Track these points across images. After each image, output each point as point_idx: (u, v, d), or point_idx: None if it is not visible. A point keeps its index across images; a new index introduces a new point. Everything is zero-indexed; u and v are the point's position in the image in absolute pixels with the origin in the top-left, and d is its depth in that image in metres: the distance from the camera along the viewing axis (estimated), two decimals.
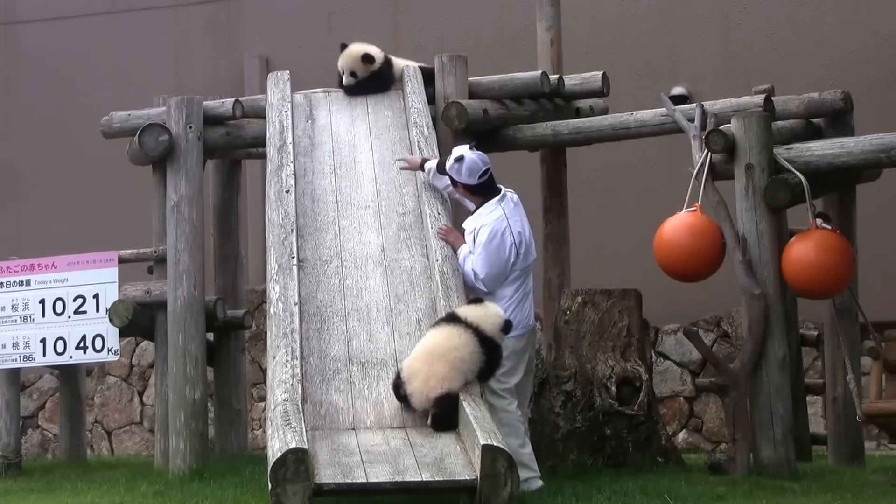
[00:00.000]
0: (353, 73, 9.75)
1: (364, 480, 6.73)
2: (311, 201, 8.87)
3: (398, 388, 7.54)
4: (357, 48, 9.82)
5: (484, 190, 8.29)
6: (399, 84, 9.86)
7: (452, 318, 7.67)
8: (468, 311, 7.71)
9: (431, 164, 8.75)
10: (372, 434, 7.38)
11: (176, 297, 9.87)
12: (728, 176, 9.18)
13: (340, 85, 9.88)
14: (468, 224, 8.31)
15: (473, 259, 8.15)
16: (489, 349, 7.58)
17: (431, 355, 7.46)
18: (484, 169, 8.27)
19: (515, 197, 8.34)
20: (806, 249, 8.89)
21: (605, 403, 9.16)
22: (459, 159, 8.30)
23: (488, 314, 7.72)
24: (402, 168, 8.97)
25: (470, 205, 8.48)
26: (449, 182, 8.49)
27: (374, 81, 9.80)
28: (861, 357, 10.13)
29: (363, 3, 15.66)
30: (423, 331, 7.90)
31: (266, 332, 8.14)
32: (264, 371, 13.16)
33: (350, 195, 8.94)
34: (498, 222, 8.12)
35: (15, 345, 10.51)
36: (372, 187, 8.97)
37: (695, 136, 9.40)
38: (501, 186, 8.35)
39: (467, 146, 8.44)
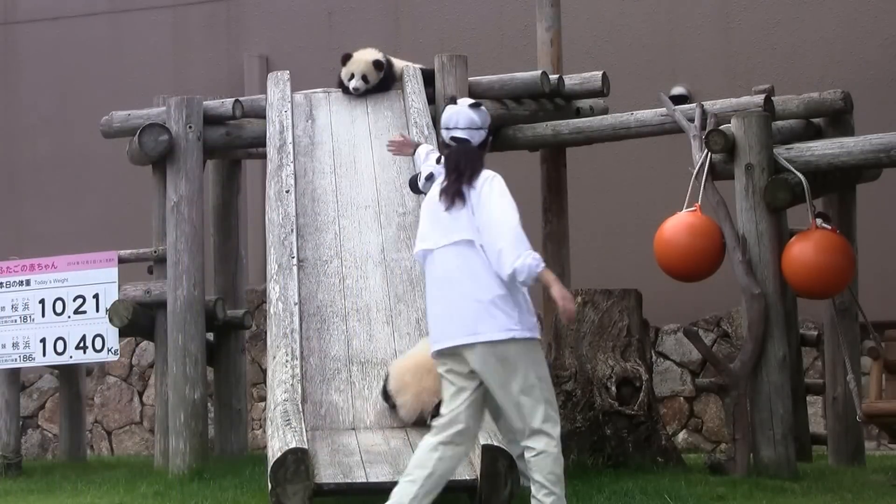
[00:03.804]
0: (364, 78, 9.75)
1: (364, 480, 6.74)
2: (311, 201, 8.87)
3: (387, 398, 7.54)
4: (368, 55, 9.82)
5: None
6: (399, 84, 9.88)
7: None
8: None
9: (423, 149, 8.60)
10: (372, 434, 7.38)
11: (176, 297, 9.87)
12: (728, 176, 9.17)
13: (339, 85, 9.88)
14: None
15: None
16: None
17: (420, 369, 7.46)
18: None
19: None
20: (806, 249, 8.89)
21: (605, 403, 9.16)
22: (430, 177, 8.18)
23: None
24: (390, 144, 8.74)
25: None
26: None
27: (377, 83, 9.82)
28: (861, 357, 10.13)
29: (363, 3, 15.66)
30: (424, 331, 7.91)
31: (266, 332, 8.15)
32: (264, 371, 13.15)
33: (350, 195, 8.94)
34: None
35: (15, 345, 10.51)
36: (372, 187, 8.98)
37: (695, 136, 9.40)
38: None
39: (434, 161, 8.36)
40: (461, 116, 6.82)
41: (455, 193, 6.63)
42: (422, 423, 7.42)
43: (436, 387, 7.39)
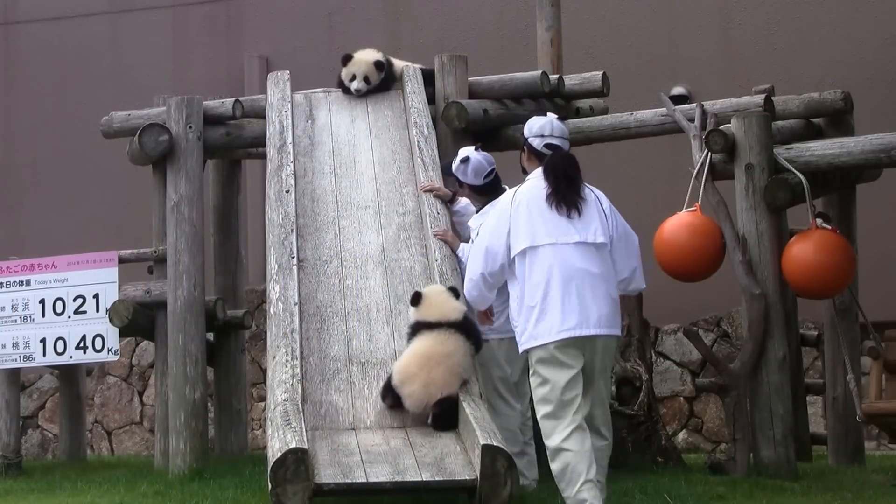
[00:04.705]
0: (366, 79, 9.76)
1: (364, 480, 6.73)
2: (311, 201, 8.86)
3: (385, 396, 7.52)
4: (369, 55, 9.81)
5: (489, 190, 8.36)
6: (399, 84, 9.87)
7: (425, 326, 7.58)
8: (430, 313, 7.59)
9: (465, 247, 8.48)
10: (372, 434, 7.37)
11: (176, 297, 9.87)
12: (728, 176, 9.18)
13: (339, 85, 9.88)
14: (474, 222, 8.33)
15: None
16: (475, 338, 7.57)
17: (429, 360, 7.42)
18: (489, 169, 8.42)
19: None
20: (806, 249, 8.89)
21: None
22: (465, 160, 8.42)
23: (444, 302, 7.65)
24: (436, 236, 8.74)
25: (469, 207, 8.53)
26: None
27: (377, 83, 9.83)
28: (861, 357, 10.13)
29: (363, 3, 15.67)
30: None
31: (266, 332, 8.14)
32: (264, 371, 13.15)
33: (350, 195, 8.94)
34: None
35: (15, 345, 10.52)
36: (372, 187, 8.98)
37: (695, 136, 9.40)
38: (506, 186, 8.38)
39: (473, 147, 8.52)
40: (555, 126, 7.56)
41: (573, 203, 7.27)
42: (424, 417, 7.41)
43: (444, 379, 7.38)
